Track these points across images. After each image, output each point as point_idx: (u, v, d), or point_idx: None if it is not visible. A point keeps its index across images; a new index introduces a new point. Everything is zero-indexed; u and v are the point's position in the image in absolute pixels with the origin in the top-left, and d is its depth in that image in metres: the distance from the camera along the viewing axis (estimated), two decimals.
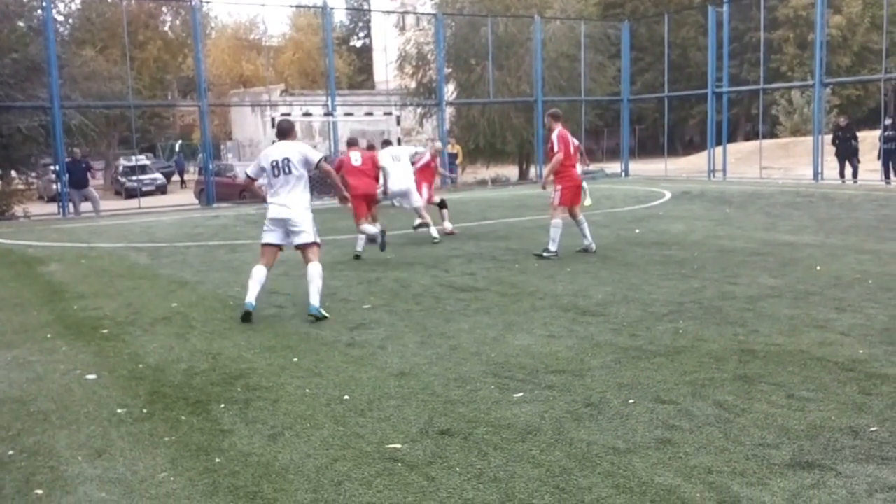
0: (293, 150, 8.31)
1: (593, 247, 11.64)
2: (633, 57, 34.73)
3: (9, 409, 5.56)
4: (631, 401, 5.25)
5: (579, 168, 12.57)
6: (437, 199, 15.24)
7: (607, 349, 6.49)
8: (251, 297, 8.08)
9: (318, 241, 8.43)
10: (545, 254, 11.30)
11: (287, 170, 8.23)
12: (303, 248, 8.32)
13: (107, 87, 33.01)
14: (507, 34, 32.86)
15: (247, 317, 8.00)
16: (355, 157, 12.62)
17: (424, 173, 15.10)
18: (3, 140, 23.31)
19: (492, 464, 4.34)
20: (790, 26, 50.50)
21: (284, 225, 8.27)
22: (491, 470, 4.27)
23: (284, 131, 8.54)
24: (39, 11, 25.56)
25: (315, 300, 8.05)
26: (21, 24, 27.51)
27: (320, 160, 8.35)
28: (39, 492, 4.21)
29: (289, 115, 26.00)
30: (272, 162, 8.28)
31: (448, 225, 14.64)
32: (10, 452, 4.75)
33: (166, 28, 53.31)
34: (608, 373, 5.86)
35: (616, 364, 6.08)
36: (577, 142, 11.91)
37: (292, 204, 8.22)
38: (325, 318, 7.99)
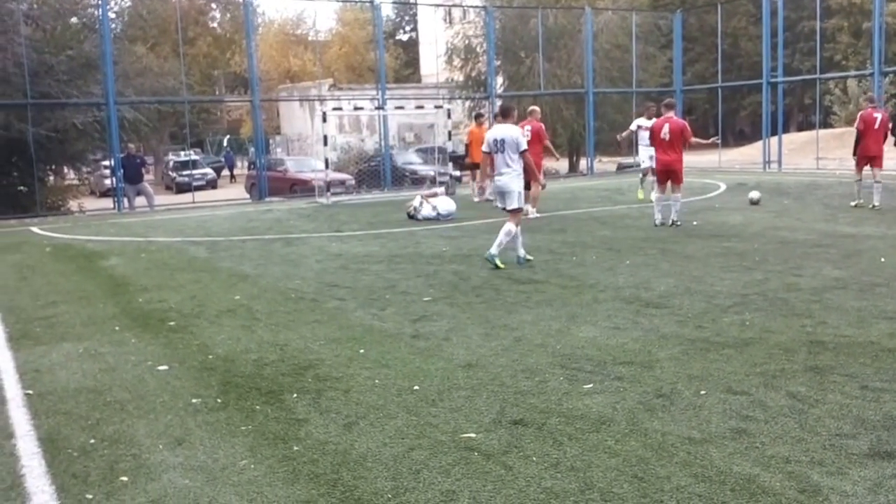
0: (508, 132, 10.24)
1: (668, 222, 13.26)
2: (682, 47, 34.36)
3: (85, 398, 5.68)
4: (702, 392, 5.23)
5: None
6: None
7: (674, 341, 6.47)
8: (520, 250, 10.41)
9: (522, 207, 10.52)
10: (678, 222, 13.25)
11: (501, 149, 10.22)
12: (509, 211, 10.32)
13: (158, 82, 33.28)
14: (557, 25, 32.65)
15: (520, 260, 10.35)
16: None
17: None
18: (59, 136, 23.53)
19: (568, 453, 4.36)
20: (844, 15, 49.65)
21: (500, 192, 10.34)
22: (567, 459, 4.29)
23: (504, 113, 10.64)
24: (91, 9, 25.92)
25: (493, 249, 10.15)
26: (74, 20, 27.91)
27: (525, 150, 10.23)
28: (124, 479, 4.31)
29: (340, 108, 26.14)
30: (493, 140, 10.33)
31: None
32: (92, 441, 4.86)
33: (215, 24, 53.88)
34: (677, 364, 5.84)
35: (684, 356, 6.06)
36: (664, 131, 13.36)
37: (504, 177, 10.21)
38: (497, 266, 9.97)
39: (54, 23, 25.48)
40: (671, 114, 13.65)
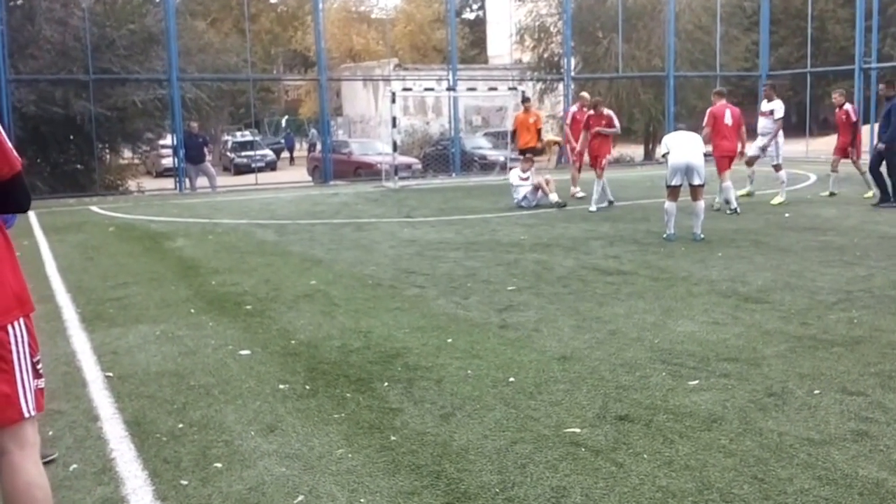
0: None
1: (715, 207, 13.71)
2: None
3: (168, 382, 5.56)
4: (816, 391, 4.94)
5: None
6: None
7: (779, 337, 6.14)
8: (671, 229, 11.06)
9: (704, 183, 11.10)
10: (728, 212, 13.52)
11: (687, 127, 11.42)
12: (695, 188, 10.91)
13: (220, 59, 32.43)
14: (637, 5, 31.66)
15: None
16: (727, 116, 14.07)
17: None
18: (119, 113, 23.15)
19: (680, 452, 4.12)
20: None
21: (685, 169, 10.78)
22: (681, 458, 4.05)
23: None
24: None
25: (697, 229, 10.97)
26: None
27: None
28: (218, 465, 4.17)
29: (410, 89, 25.81)
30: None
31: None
32: (180, 426, 4.73)
33: (275, 0, 53.49)
34: (785, 362, 5.53)
35: (791, 353, 5.74)
36: (727, 117, 13.88)
37: (694, 155, 10.82)
38: (702, 238, 10.79)
39: None
40: (724, 101, 14.29)
